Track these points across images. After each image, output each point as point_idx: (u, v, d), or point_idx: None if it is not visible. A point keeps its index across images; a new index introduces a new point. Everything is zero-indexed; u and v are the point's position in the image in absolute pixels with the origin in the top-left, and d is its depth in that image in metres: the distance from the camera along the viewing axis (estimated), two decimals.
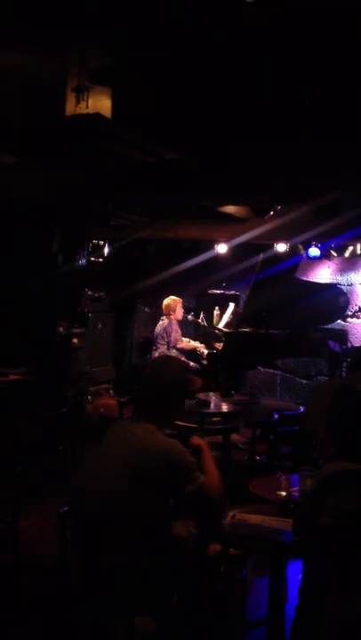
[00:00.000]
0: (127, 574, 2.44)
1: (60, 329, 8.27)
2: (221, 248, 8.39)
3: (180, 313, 7.79)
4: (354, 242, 8.50)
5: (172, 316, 7.70)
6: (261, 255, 8.00)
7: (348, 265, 8.93)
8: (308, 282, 8.84)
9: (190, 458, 2.66)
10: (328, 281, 8.93)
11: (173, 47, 3.52)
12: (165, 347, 7.58)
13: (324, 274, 9.02)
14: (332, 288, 8.65)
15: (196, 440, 2.88)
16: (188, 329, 8.88)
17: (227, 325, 8.02)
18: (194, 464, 2.65)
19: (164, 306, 7.80)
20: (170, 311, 7.71)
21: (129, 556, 2.46)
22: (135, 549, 2.48)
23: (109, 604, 2.43)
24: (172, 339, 7.56)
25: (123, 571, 2.44)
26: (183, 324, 8.17)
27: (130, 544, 2.46)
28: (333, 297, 8.40)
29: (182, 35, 3.39)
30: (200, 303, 9.56)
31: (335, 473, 2.50)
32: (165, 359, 3.56)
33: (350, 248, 8.77)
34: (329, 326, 8.52)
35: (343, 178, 5.27)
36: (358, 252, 8.75)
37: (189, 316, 8.43)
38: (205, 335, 8.17)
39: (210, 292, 9.57)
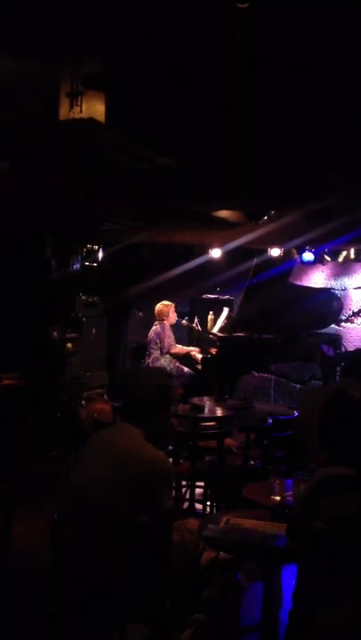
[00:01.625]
0: (118, 581, 2.43)
1: (54, 334, 8.26)
2: (215, 253, 8.40)
3: (173, 318, 7.79)
4: (348, 246, 8.52)
5: (165, 321, 7.70)
6: (255, 260, 8.02)
7: (341, 270, 8.95)
8: (302, 286, 8.85)
9: (172, 475, 2.64)
10: (322, 285, 8.94)
11: (167, 53, 3.53)
12: (159, 352, 7.57)
13: (317, 278, 9.04)
14: (325, 293, 8.67)
15: None
16: (182, 334, 8.88)
17: (221, 330, 8.02)
18: (173, 482, 2.62)
19: (156, 311, 7.80)
20: (163, 316, 7.72)
21: (119, 563, 2.44)
22: (125, 556, 2.46)
23: (101, 611, 2.41)
24: (166, 344, 7.55)
25: (114, 578, 2.43)
26: (177, 328, 8.17)
27: (119, 550, 2.45)
28: (327, 301, 8.42)
29: (176, 40, 3.40)
30: (194, 308, 9.56)
31: (328, 477, 2.50)
32: (145, 368, 3.53)
33: (344, 253, 8.80)
34: (323, 331, 8.54)
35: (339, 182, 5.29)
36: (352, 256, 8.77)
37: (183, 321, 8.43)
38: (199, 340, 8.18)
39: (204, 296, 9.57)
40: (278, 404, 8.91)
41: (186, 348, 7.89)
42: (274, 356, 8.15)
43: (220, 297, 9.41)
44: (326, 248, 8.42)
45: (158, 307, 7.80)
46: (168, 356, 7.57)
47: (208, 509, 5.15)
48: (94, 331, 9.13)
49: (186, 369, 7.67)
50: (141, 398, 2.73)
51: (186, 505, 5.17)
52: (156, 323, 7.76)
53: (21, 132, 4.80)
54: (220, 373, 7.48)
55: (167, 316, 7.72)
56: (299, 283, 8.94)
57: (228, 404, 6.06)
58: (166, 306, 7.77)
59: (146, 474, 2.49)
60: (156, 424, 2.77)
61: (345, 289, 8.90)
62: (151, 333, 7.74)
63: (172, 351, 7.62)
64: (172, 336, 7.72)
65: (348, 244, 8.16)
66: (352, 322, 8.81)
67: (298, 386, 9.10)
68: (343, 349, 8.26)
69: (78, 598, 2.46)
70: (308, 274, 9.06)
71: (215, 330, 8.09)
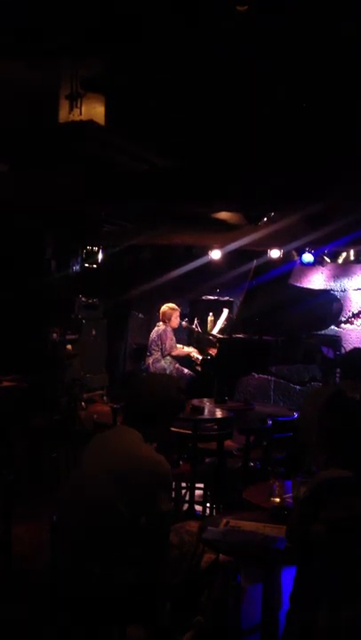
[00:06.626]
0: (117, 583, 2.43)
1: (54, 335, 8.26)
2: (215, 254, 8.40)
3: (175, 322, 7.78)
4: (347, 248, 8.53)
5: (167, 324, 7.69)
6: (255, 261, 8.03)
7: (341, 271, 8.96)
8: (302, 288, 8.86)
9: (171, 478, 2.66)
10: (322, 287, 8.95)
11: (167, 56, 3.53)
12: (159, 353, 7.57)
13: (317, 280, 9.05)
14: (325, 294, 8.67)
15: None
16: (182, 335, 8.89)
17: (221, 331, 8.02)
18: (172, 485, 2.62)
19: (160, 312, 7.80)
20: (166, 318, 7.71)
21: (118, 564, 2.44)
22: (124, 558, 2.46)
23: (100, 612, 2.41)
24: (167, 346, 7.55)
25: (113, 580, 2.43)
26: (177, 330, 8.17)
27: (117, 552, 2.45)
28: (327, 303, 8.43)
29: (176, 43, 3.40)
30: (194, 309, 9.56)
31: (328, 480, 2.49)
32: (159, 376, 3.50)
33: (344, 254, 8.82)
34: (323, 332, 8.55)
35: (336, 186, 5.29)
36: (352, 258, 8.79)
37: (183, 322, 8.43)
38: (199, 341, 8.17)
39: (204, 298, 9.58)
40: (278, 405, 8.91)
41: (186, 350, 7.89)
42: (274, 358, 8.14)
43: (220, 298, 9.42)
44: (326, 249, 8.43)
45: (163, 308, 7.79)
46: (169, 357, 7.57)
47: (208, 511, 5.14)
48: (94, 332, 9.13)
49: (186, 370, 7.67)
50: (149, 408, 2.73)
51: (185, 507, 5.17)
52: (159, 324, 7.76)
53: (21, 134, 4.81)
54: (220, 375, 7.48)
55: (170, 318, 7.71)
56: (298, 284, 8.95)
57: (227, 405, 6.05)
58: (171, 309, 7.76)
59: (145, 476, 2.50)
60: (157, 433, 2.78)
61: (345, 290, 8.90)
62: (153, 334, 7.73)
63: (173, 353, 7.61)
64: (174, 338, 7.71)
65: (348, 245, 8.17)
66: (352, 323, 8.81)
67: (298, 387, 9.10)
68: (343, 351, 8.26)
69: (78, 599, 2.46)
70: (307, 275, 9.07)
71: (215, 331, 8.09)
